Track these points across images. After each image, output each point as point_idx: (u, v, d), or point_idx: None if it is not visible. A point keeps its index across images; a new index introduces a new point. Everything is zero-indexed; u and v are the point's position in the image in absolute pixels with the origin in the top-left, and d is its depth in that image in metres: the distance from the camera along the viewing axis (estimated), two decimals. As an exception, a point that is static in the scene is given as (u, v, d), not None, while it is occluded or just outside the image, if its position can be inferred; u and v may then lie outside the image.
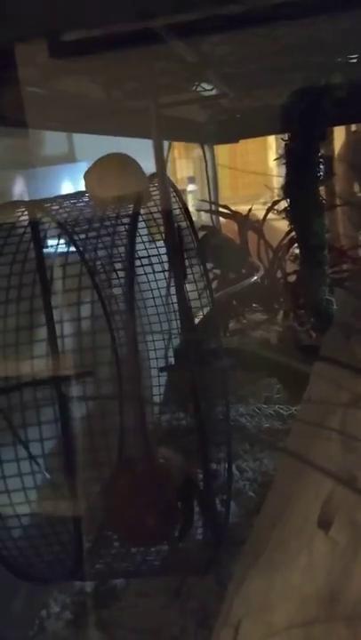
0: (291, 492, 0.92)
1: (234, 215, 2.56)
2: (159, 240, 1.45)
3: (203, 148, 2.47)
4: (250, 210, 2.56)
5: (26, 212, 1.07)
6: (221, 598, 1.14)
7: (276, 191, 4.10)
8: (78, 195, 1.11)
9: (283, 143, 1.68)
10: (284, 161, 1.71)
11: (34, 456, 1.00)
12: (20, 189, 1.65)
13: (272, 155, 4.68)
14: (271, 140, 4.59)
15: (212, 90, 1.65)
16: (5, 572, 1.03)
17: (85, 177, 1.07)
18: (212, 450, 1.40)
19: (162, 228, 1.43)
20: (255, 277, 2.23)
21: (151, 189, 1.22)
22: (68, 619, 1.17)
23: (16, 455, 0.98)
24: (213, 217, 2.73)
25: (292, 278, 2.38)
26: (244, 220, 2.53)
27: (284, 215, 1.75)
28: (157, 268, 1.51)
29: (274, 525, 0.91)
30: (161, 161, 1.08)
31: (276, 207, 2.15)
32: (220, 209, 2.61)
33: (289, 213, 1.72)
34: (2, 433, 0.99)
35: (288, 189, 1.67)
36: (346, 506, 0.84)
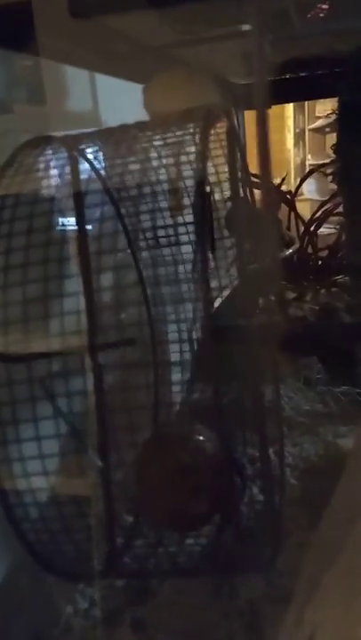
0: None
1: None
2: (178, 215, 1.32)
3: (236, 113, 2.30)
4: (283, 179, 2.40)
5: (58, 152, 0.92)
6: (272, 599, 1.02)
7: (293, 172, 3.98)
8: (127, 128, 0.95)
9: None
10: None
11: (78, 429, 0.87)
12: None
13: (290, 137, 4.56)
14: (290, 121, 4.45)
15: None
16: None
17: (146, 91, 0.92)
18: (249, 433, 1.28)
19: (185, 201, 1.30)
20: (290, 250, 2.08)
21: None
22: (97, 616, 1.04)
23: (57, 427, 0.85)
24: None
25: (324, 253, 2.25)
26: (276, 191, 2.36)
27: (332, 179, 1.60)
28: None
29: (353, 521, 0.77)
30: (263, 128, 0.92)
31: (322, 169, 1.99)
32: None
33: (339, 176, 1.56)
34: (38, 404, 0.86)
35: (340, 148, 1.51)
36: None
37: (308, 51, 1.57)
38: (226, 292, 1.58)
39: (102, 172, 1.02)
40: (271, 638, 0.90)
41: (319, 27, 1.46)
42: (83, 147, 0.89)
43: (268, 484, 0.97)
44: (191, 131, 0.87)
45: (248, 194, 1.31)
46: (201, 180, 0.86)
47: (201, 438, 1.14)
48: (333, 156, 1.57)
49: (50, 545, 0.87)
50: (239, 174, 1.21)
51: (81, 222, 0.84)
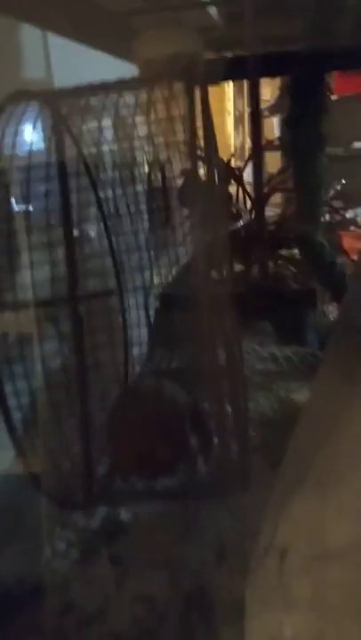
0: (335, 415, 0.88)
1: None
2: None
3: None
4: (232, 156, 2.48)
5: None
6: (238, 532, 1.11)
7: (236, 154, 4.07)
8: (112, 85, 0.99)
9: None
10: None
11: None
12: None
13: (230, 121, 4.63)
14: (230, 104, 4.52)
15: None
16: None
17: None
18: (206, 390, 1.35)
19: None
20: (240, 223, 2.17)
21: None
22: (75, 556, 1.10)
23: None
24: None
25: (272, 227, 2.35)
26: (225, 167, 2.44)
27: (283, 152, 1.69)
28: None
29: (317, 448, 0.86)
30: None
31: (274, 142, 2.09)
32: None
33: (289, 149, 1.65)
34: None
35: (291, 122, 1.60)
36: None
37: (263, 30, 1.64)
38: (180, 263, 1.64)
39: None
40: (240, 566, 0.98)
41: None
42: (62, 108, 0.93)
43: (238, 428, 1.06)
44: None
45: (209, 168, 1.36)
46: (191, 137, 0.91)
47: (167, 392, 1.22)
48: (272, 140, 1.66)
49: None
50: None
51: (64, 186, 0.89)
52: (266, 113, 4.36)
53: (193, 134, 0.91)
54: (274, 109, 3.17)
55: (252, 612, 0.81)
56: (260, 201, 1.72)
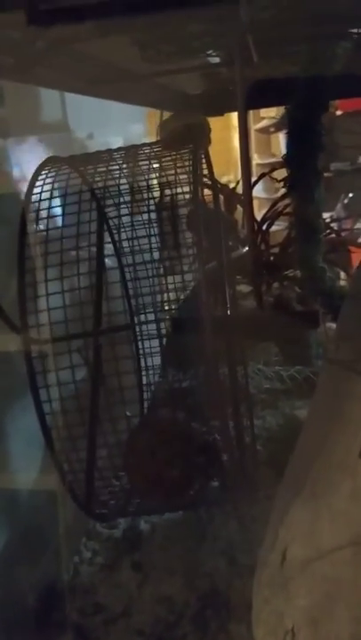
0: (328, 431, 0.99)
1: (221, 188, 2.60)
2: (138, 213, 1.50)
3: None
4: (238, 183, 2.60)
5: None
6: (247, 540, 1.22)
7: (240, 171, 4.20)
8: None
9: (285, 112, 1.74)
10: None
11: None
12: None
13: (236, 135, 4.73)
14: (235, 120, 4.62)
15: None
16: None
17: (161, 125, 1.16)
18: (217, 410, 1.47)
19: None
20: (246, 248, 2.29)
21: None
22: (100, 563, 1.22)
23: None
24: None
25: (276, 250, 2.47)
26: (231, 193, 2.58)
27: (283, 184, 1.81)
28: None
29: (313, 461, 0.98)
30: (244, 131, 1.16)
31: (271, 175, 2.22)
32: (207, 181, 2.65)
33: (289, 182, 1.77)
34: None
35: (289, 158, 1.72)
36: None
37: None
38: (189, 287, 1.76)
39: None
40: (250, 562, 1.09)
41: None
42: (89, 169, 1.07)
43: (241, 440, 1.18)
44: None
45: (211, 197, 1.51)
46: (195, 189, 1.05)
47: (180, 424, 1.33)
48: (278, 155, 1.78)
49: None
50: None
51: (100, 230, 1.03)
52: (272, 129, 4.49)
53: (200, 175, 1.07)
54: (280, 125, 3.29)
55: (258, 605, 0.93)
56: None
